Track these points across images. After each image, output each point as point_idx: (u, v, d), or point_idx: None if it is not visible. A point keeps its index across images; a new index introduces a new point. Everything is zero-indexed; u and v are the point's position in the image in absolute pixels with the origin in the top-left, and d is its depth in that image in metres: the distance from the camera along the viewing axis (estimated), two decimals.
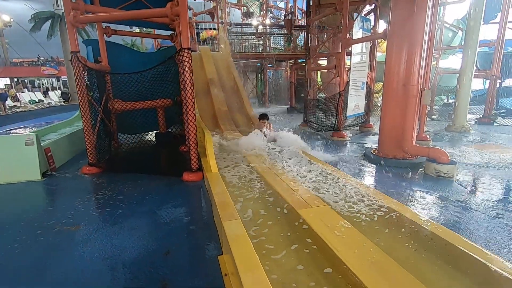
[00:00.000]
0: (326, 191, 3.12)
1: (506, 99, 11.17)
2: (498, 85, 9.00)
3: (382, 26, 7.73)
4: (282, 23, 13.98)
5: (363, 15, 7.27)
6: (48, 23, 19.62)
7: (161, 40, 10.06)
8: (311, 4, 7.72)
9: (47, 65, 27.17)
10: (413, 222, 2.32)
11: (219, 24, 10.56)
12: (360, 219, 2.53)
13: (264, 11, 15.77)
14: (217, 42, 11.10)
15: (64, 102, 20.33)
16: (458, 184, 3.74)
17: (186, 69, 3.70)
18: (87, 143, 4.45)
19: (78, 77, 4.20)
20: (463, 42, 7.76)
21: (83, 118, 4.40)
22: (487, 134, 6.99)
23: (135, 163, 4.81)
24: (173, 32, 6.75)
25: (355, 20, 6.26)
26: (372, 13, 7.48)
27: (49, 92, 22.90)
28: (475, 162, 4.71)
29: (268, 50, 12.91)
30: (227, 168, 4.05)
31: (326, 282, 1.78)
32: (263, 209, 2.76)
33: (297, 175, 3.66)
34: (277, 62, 14.30)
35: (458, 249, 1.94)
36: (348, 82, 6.49)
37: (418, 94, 4.43)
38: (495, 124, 8.29)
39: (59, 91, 23.36)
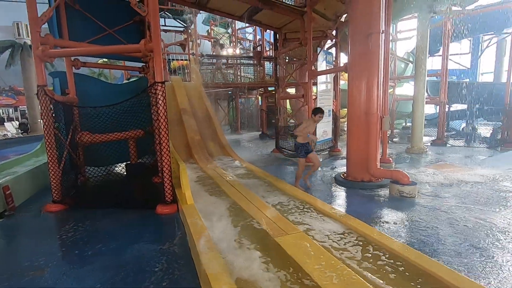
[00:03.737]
0: (301, 219, 3.22)
1: (454, 122, 12.42)
2: (447, 110, 10.04)
3: (343, 57, 8.43)
4: (252, 54, 14.68)
5: (325, 48, 7.92)
6: (8, 52, 18.78)
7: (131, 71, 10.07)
8: (278, 38, 8.27)
9: (4, 95, 25.62)
10: (380, 242, 2.48)
11: (191, 56, 10.85)
12: (332, 242, 2.64)
13: (234, 43, 16.49)
14: (188, 71, 11.32)
15: (22, 133, 19.04)
16: (419, 203, 4.04)
17: (160, 102, 3.76)
18: (51, 178, 4.23)
19: (44, 111, 4.07)
20: (414, 72, 8.66)
21: (49, 152, 4.21)
22: (442, 155, 7.66)
23: (104, 197, 4.61)
24: (144, 64, 6.84)
25: (318, 53, 6.80)
26: (334, 47, 8.15)
27: (5, 123, 21.38)
28: (433, 181, 5.12)
29: (239, 79, 13.37)
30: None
31: None
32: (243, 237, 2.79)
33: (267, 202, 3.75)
34: (248, 90, 14.79)
35: (421, 267, 2.10)
36: None
37: (378, 121, 4.84)
38: (447, 145, 9.12)
39: (17, 122, 21.89)
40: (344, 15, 7.52)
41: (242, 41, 17.19)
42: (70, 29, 5.16)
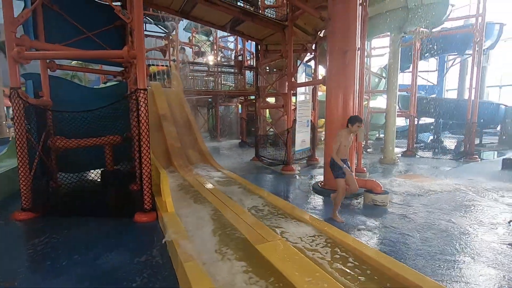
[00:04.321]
0: (280, 226, 3.32)
1: (423, 134, 13.22)
2: (416, 123, 10.69)
3: (321, 70, 8.78)
4: (232, 63, 14.86)
5: (305, 61, 8.22)
6: None
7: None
8: (259, 49, 8.47)
9: None
10: (353, 247, 2.63)
11: (172, 62, 10.79)
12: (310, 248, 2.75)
13: (215, 51, 16.59)
14: (166, 77, 11.21)
15: None
16: (390, 211, 4.28)
17: (142, 108, 3.74)
18: (21, 184, 4.02)
19: (17, 114, 3.91)
20: (386, 87, 9.19)
21: (20, 157, 4.02)
22: (411, 165, 8.13)
23: (79, 204, 4.44)
24: (124, 69, 6.74)
25: (298, 66, 7.05)
26: (313, 60, 8.48)
27: None
28: (403, 190, 5.43)
29: (219, 87, 13.45)
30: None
31: None
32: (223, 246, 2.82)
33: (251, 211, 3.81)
34: (229, 98, 14.87)
35: (392, 271, 2.26)
36: (295, 120, 7.09)
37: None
38: (416, 156, 9.68)
39: None
40: (323, 31, 7.89)
41: (223, 50, 17.32)
42: (46, 30, 5.01)
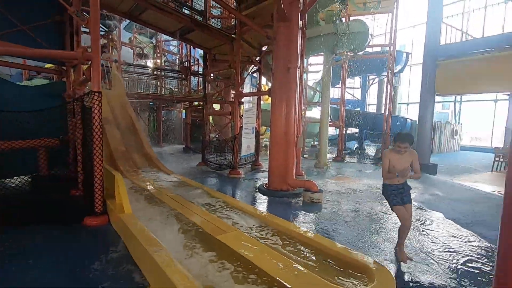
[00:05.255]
0: (233, 219, 3.70)
1: (350, 142, 15.08)
2: (344, 132, 12.25)
3: (264, 80, 9.51)
4: (176, 67, 14.77)
5: (250, 72, 8.83)
6: None
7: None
8: (207, 58, 8.78)
9: None
10: (297, 234, 3.17)
11: (113, 62, 10.29)
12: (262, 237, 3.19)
13: (158, 54, 16.21)
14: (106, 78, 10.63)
15: None
16: (324, 206, 5.04)
17: (96, 111, 3.74)
18: None
19: None
20: (320, 99, 10.38)
21: None
22: (340, 169, 9.34)
23: (9, 212, 4.07)
24: (63, 68, 6.33)
25: (246, 77, 7.59)
26: (257, 72, 9.15)
27: None
28: (334, 189, 6.34)
29: (162, 91, 13.23)
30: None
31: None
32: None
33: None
34: (172, 102, 14.67)
35: (328, 248, 2.84)
36: (241, 127, 7.58)
37: (295, 139, 5.80)
38: (345, 161, 11.09)
39: None
40: (267, 46, 8.63)
41: (166, 53, 17.01)
42: None
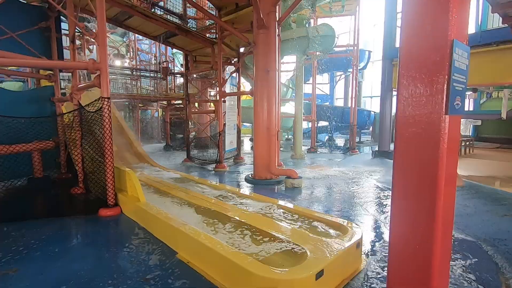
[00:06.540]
0: (231, 202, 4.41)
1: (321, 135, 16.25)
2: (316, 126, 13.32)
3: (242, 80, 10.19)
4: (151, 67, 14.92)
5: (230, 72, 9.47)
6: None
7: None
8: (189, 59, 9.27)
9: None
10: (286, 207, 3.96)
11: None
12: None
13: (131, 53, 16.17)
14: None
15: None
16: (304, 190, 5.91)
17: (106, 115, 4.22)
18: None
19: None
20: (294, 95, 11.29)
21: None
22: (314, 159, 10.35)
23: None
24: (51, 72, 6.54)
25: (228, 78, 8.22)
26: (236, 72, 9.80)
27: None
28: (310, 176, 7.25)
29: (139, 90, 13.41)
30: None
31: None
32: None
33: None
34: (149, 102, 14.84)
35: (310, 214, 3.66)
36: (225, 124, 8.23)
37: (275, 134, 6.59)
38: (317, 152, 12.16)
39: None
40: (243, 48, 9.29)
41: (140, 53, 17.00)
42: None
